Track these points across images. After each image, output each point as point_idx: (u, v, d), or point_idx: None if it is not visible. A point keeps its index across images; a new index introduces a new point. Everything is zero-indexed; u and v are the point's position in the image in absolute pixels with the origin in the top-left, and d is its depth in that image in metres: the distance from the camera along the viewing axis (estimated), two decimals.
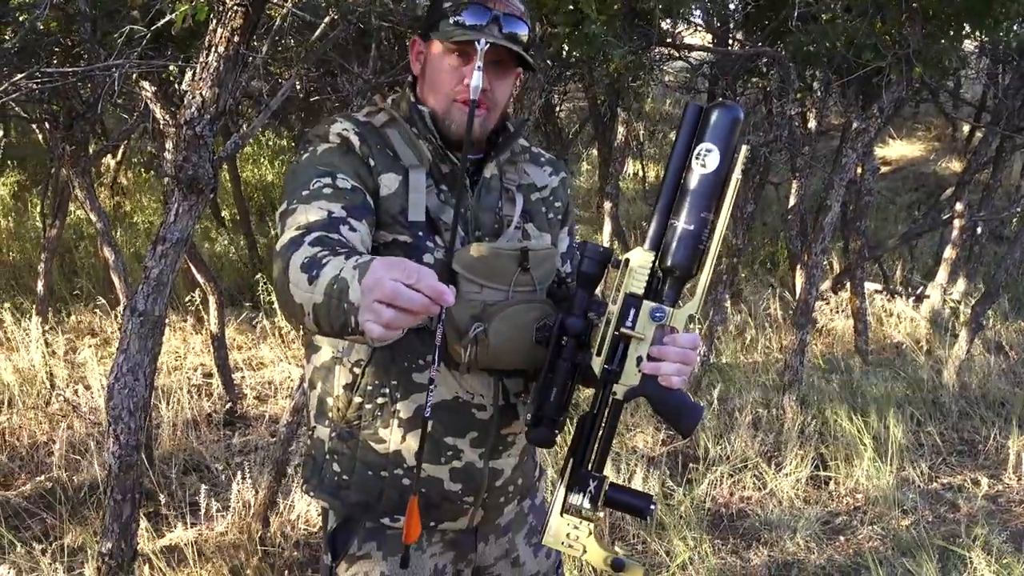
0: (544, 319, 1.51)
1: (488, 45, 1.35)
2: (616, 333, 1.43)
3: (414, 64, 1.62)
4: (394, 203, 1.50)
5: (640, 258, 1.43)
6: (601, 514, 1.48)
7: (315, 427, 1.65)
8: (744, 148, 1.40)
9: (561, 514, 1.48)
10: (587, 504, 1.46)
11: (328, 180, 1.45)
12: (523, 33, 1.54)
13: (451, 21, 1.50)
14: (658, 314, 1.41)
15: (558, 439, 1.50)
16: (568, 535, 1.48)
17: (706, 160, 1.39)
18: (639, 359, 1.42)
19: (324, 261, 1.21)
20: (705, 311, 5.27)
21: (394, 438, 1.57)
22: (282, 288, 1.25)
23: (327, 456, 1.63)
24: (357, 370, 1.55)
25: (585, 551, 1.48)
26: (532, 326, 1.50)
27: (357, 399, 1.56)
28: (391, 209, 1.50)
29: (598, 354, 1.44)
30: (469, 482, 1.60)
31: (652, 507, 1.48)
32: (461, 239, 1.55)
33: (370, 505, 1.60)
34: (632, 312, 1.42)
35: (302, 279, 1.21)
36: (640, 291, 1.42)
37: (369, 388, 1.55)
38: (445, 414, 1.56)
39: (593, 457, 1.48)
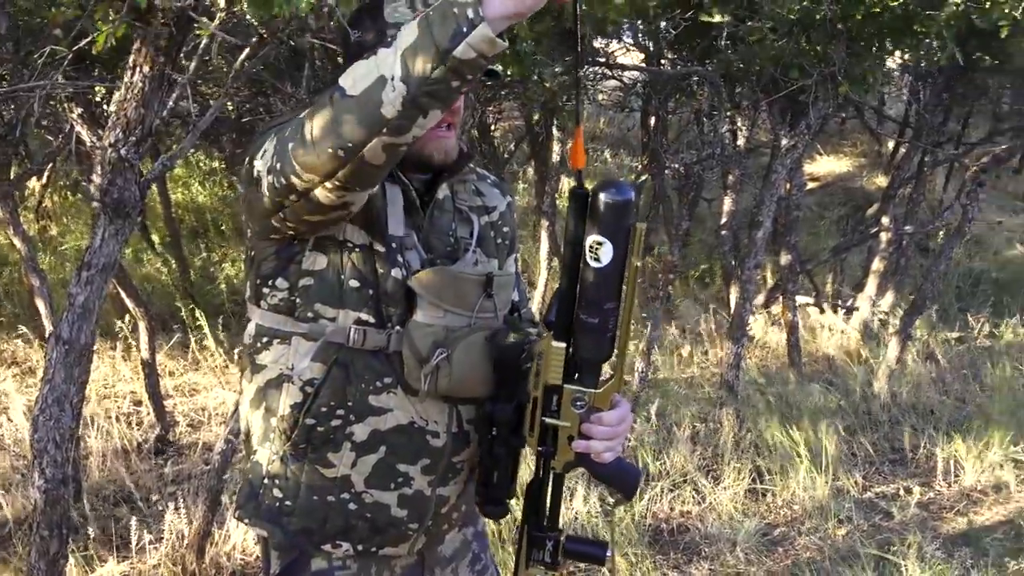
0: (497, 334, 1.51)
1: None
2: (542, 420, 1.45)
3: None
4: (378, 208, 1.45)
5: (552, 350, 1.41)
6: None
7: (256, 451, 1.58)
8: (641, 227, 1.33)
9: (527, 568, 1.55)
10: (547, 559, 1.53)
11: None
12: None
13: None
14: (579, 403, 1.42)
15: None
16: None
17: (599, 253, 1.33)
18: (570, 438, 1.44)
19: (367, 56, 1.20)
20: (641, 327, 5.31)
21: (344, 462, 1.51)
22: (323, 125, 1.21)
23: (265, 481, 1.56)
24: (310, 389, 1.48)
25: None
26: (492, 354, 1.49)
27: (309, 421, 1.49)
28: (373, 213, 1.45)
29: (530, 435, 1.46)
30: (416, 509, 1.57)
31: (608, 554, 1.53)
32: (421, 261, 1.50)
33: (312, 531, 1.55)
34: (554, 399, 1.43)
35: (357, 75, 1.19)
36: (558, 380, 1.42)
37: (323, 410, 1.49)
38: (399, 438, 1.51)
39: (546, 516, 1.53)
